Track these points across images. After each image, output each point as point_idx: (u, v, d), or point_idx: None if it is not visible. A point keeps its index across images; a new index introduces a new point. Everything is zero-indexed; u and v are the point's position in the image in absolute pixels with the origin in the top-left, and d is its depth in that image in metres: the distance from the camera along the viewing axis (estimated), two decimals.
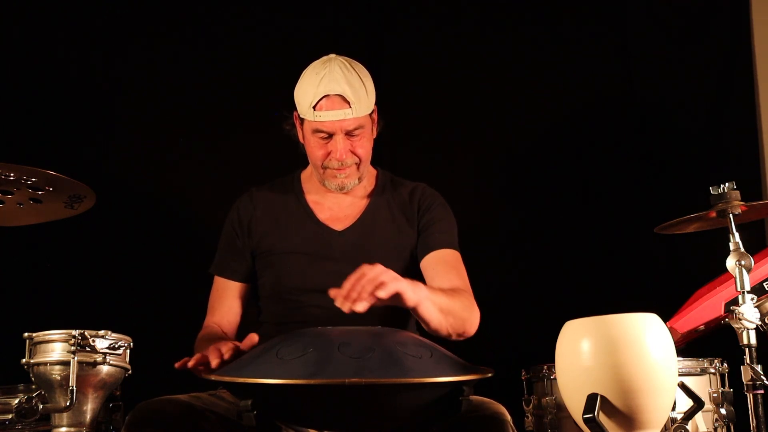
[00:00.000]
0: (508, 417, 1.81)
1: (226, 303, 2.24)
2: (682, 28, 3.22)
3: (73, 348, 1.78)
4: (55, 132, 2.95)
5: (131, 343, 1.91)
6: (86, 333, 1.81)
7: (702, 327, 2.34)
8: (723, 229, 2.14)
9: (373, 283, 1.72)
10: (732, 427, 2.27)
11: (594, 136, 3.17)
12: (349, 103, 2.10)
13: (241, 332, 2.16)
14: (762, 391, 2.04)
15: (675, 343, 1.67)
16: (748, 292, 2.06)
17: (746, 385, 2.05)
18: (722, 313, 2.28)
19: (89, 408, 1.84)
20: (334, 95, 2.09)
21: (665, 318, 1.80)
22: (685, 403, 2.06)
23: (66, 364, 1.79)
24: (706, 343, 2.40)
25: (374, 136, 2.23)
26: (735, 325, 2.06)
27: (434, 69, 3.17)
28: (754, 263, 2.08)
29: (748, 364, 2.04)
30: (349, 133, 2.13)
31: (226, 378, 1.60)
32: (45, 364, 1.81)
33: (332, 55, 2.16)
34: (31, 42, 3.00)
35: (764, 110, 3.17)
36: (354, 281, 1.73)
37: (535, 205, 3.16)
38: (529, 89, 3.18)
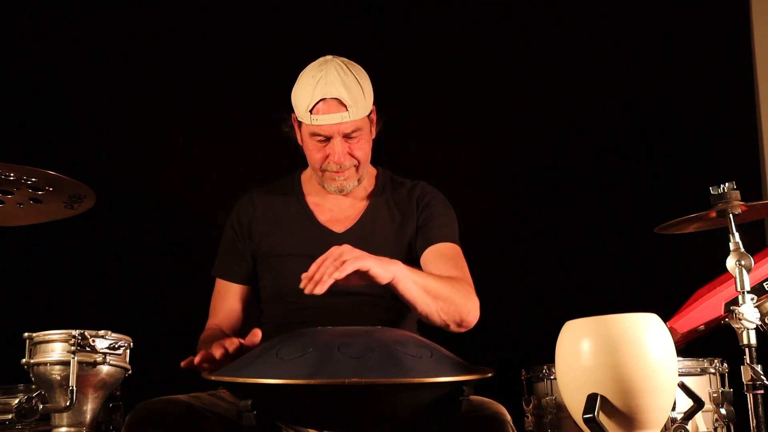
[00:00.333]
0: (508, 417, 1.81)
1: (228, 305, 2.24)
2: (682, 28, 3.22)
3: (73, 348, 1.78)
4: (55, 132, 2.95)
5: (131, 343, 1.91)
6: (86, 333, 1.81)
7: (702, 327, 2.33)
8: (723, 229, 2.14)
9: (334, 263, 1.75)
10: (732, 427, 2.27)
11: (594, 136, 3.17)
12: (345, 106, 2.09)
13: (242, 334, 2.15)
14: (762, 391, 2.04)
15: (675, 343, 1.67)
16: (748, 292, 2.06)
17: (746, 385, 2.04)
18: (722, 313, 2.28)
19: (89, 408, 1.84)
20: (330, 99, 2.09)
21: (665, 318, 1.80)
22: (685, 403, 2.05)
23: (66, 364, 1.79)
24: (706, 343, 2.40)
25: (373, 137, 2.23)
26: (735, 325, 2.06)
27: (434, 69, 3.17)
28: (754, 263, 2.07)
29: (748, 364, 2.04)
30: (346, 136, 2.13)
31: (226, 378, 1.60)
32: (45, 364, 1.80)
33: (329, 57, 2.15)
34: (32, 42, 3.00)
35: (764, 110, 3.17)
36: (318, 263, 1.76)
37: (534, 205, 3.16)
38: (529, 89, 3.18)
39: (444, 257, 2.16)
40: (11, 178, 1.91)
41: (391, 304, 2.13)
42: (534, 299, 2.95)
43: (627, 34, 3.22)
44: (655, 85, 3.19)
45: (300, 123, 2.17)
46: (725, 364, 2.33)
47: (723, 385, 2.31)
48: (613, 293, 2.92)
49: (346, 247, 1.80)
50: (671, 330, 1.98)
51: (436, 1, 3.25)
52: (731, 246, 2.09)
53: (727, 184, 2.12)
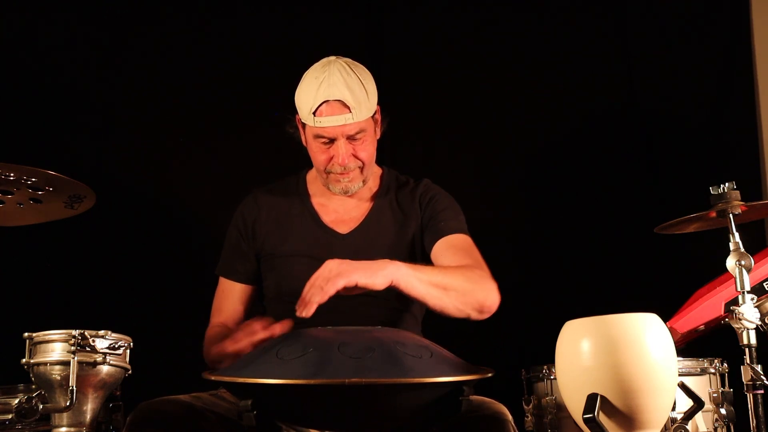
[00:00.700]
0: (509, 417, 1.81)
1: (232, 304, 2.24)
2: (682, 28, 3.22)
3: (73, 348, 1.78)
4: (55, 132, 2.95)
5: (131, 343, 1.91)
6: (86, 333, 1.81)
7: (702, 327, 2.33)
8: (723, 229, 2.14)
9: (320, 286, 1.76)
10: (732, 427, 2.27)
11: (594, 136, 3.17)
12: (349, 107, 2.07)
13: None
14: (762, 391, 2.04)
15: (675, 343, 1.67)
16: (748, 292, 2.06)
17: (746, 385, 2.04)
18: (722, 313, 2.28)
19: (89, 408, 1.84)
20: (333, 100, 2.07)
21: (665, 318, 1.80)
22: (685, 403, 2.05)
23: (66, 364, 1.79)
24: (706, 343, 2.40)
25: (378, 137, 2.22)
26: (735, 325, 2.06)
27: (434, 69, 3.17)
28: (754, 263, 2.07)
29: (748, 364, 2.04)
30: (350, 138, 2.11)
31: (226, 378, 1.60)
32: (45, 364, 1.80)
33: (332, 58, 2.14)
34: (32, 42, 3.00)
35: (764, 110, 3.17)
36: (308, 285, 1.78)
37: (534, 205, 3.16)
38: (529, 89, 3.18)
39: (454, 248, 2.13)
40: (11, 178, 1.91)
41: (392, 305, 2.13)
42: (534, 299, 2.95)
43: (627, 35, 3.21)
44: (655, 85, 3.19)
45: (304, 125, 2.16)
46: (725, 364, 2.32)
47: (723, 385, 2.31)
48: (613, 293, 2.92)
49: (332, 264, 1.78)
50: (671, 330, 1.98)
51: (436, 1, 3.25)
52: (731, 246, 2.09)
53: (727, 184, 2.12)
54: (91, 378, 1.83)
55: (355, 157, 2.14)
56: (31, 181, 1.94)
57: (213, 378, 1.62)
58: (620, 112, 3.21)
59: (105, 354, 1.83)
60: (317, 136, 2.12)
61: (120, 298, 2.84)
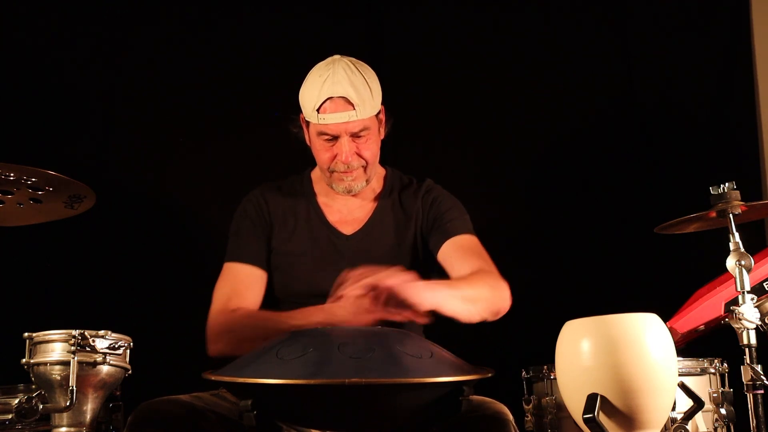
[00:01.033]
0: (510, 416, 1.81)
1: (253, 292, 2.14)
2: (683, 28, 3.22)
3: (73, 348, 1.78)
4: (55, 132, 2.95)
5: (131, 343, 1.91)
6: (86, 333, 1.81)
7: (702, 327, 2.33)
8: (723, 229, 2.14)
9: (377, 300, 1.75)
10: (732, 427, 2.26)
11: (594, 136, 3.17)
12: (353, 105, 2.07)
13: None
14: (762, 391, 2.04)
15: (675, 343, 1.67)
16: (748, 292, 2.06)
17: (746, 385, 2.04)
18: (722, 313, 2.28)
19: (89, 408, 1.84)
20: (337, 97, 2.07)
21: (665, 318, 1.80)
22: (685, 403, 2.05)
23: (66, 364, 1.79)
24: (706, 343, 2.40)
25: (382, 137, 2.22)
26: (735, 325, 2.06)
27: (434, 69, 3.17)
28: (754, 263, 2.07)
29: (748, 364, 2.04)
30: (354, 135, 2.11)
31: (226, 378, 1.60)
32: (45, 364, 1.80)
33: (336, 57, 2.14)
34: (32, 42, 3.00)
35: (764, 110, 3.17)
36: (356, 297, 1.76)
37: (534, 205, 3.16)
38: (529, 89, 3.18)
39: (464, 249, 2.13)
40: (11, 178, 1.91)
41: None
42: (534, 299, 2.94)
43: (627, 34, 3.21)
44: (655, 84, 3.19)
45: (308, 123, 2.16)
46: (725, 364, 2.32)
47: (723, 385, 2.31)
48: (613, 293, 2.92)
49: (387, 282, 1.76)
50: (671, 330, 1.98)
51: (436, 1, 3.25)
52: (731, 246, 2.09)
53: (727, 184, 2.12)
54: (91, 378, 1.83)
55: (359, 155, 2.14)
56: (31, 181, 1.94)
57: (213, 378, 1.62)
58: (620, 111, 3.21)
59: (105, 354, 1.83)
60: (321, 133, 2.12)
61: (120, 298, 2.84)
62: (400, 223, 2.22)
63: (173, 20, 3.11)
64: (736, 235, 2.10)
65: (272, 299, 2.23)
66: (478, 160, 3.16)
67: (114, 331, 1.87)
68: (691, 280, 2.46)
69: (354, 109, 2.08)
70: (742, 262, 2.06)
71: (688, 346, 2.40)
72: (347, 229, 2.21)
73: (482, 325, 2.04)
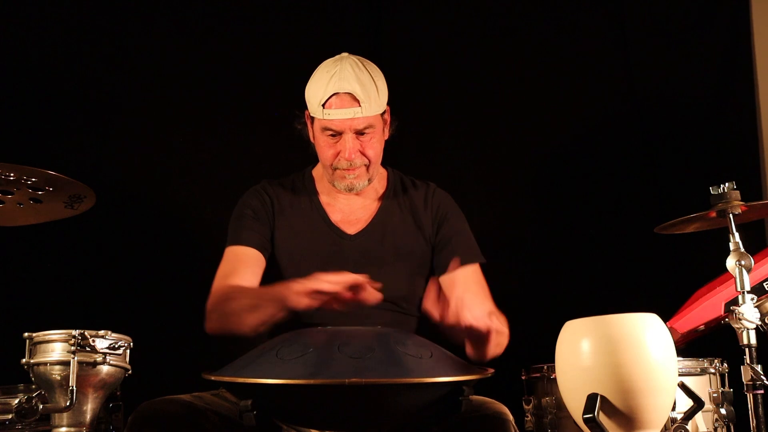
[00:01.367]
0: (510, 416, 1.81)
1: (250, 273, 2.11)
2: (683, 29, 3.22)
3: (73, 348, 1.78)
4: (55, 132, 2.95)
5: (131, 343, 1.91)
6: (86, 333, 1.81)
7: (702, 327, 2.34)
8: (723, 229, 2.14)
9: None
10: (732, 427, 2.27)
11: (594, 136, 3.17)
12: (359, 101, 2.07)
13: None
14: (762, 391, 2.04)
15: (675, 343, 1.67)
16: (748, 292, 2.06)
17: (746, 385, 2.05)
18: (722, 313, 2.28)
19: (89, 408, 1.84)
20: (343, 93, 2.07)
21: (665, 318, 1.80)
22: (685, 403, 2.06)
23: (66, 364, 1.79)
24: (706, 343, 2.40)
25: (386, 138, 2.21)
26: (735, 325, 2.06)
27: (434, 69, 3.17)
28: (754, 263, 2.08)
29: (748, 364, 2.04)
30: (358, 133, 2.10)
31: (226, 378, 1.60)
32: (45, 364, 1.81)
33: (344, 54, 2.14)
34: (32, 41, 3.00)
35: (764, 110, 3.17)
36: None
37: (534, 205, 3.16)
38: (528, 90, 3.17)
39: (477, 285, 2.14)
40: (11, 178, 1.91)
41: (397, 308, 2.12)
42: (534, 299, 2.95)
43: (627, 36, 3.21)
44: (655, 85, 3.19)
45: (312, 119, 2.15)
46: (725, 364, 2.32)
47: (723, 385, 2.31)
48: (613, 293, 2.92)
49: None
50: (671, 330, 1.98)
51: (436, 1, 3.25)
52: (731, 246, 2.09)
53: (727, 184, 2.12)
54: (91, 378, 1.83)
55: (363, 153, 2.12)
56: (31, 181, 1.94)
57: (213, 378, 1.62)
58: (620, 112, 3.21)
59: (105, 354, 1.83)
60: (325, 129, 2.11)
61: (120, 298, 2.84)
62: (404, 225, 2.21)
63: (174, 20, 3.10)
64: (736, 235, 2.10)
65: None
66: (478, 161, 3.16)
67: (114, 331, 1.87)
68: (691, 280, 2.47)
69: (360, 105, 2.07)
70: (742, 262, 2.06)
71: (688, 346, 2.41)
72: (350, 229, 2.21)
73: None
